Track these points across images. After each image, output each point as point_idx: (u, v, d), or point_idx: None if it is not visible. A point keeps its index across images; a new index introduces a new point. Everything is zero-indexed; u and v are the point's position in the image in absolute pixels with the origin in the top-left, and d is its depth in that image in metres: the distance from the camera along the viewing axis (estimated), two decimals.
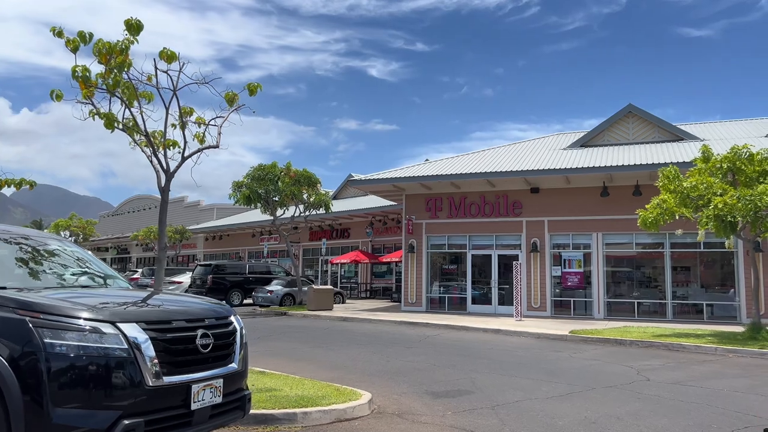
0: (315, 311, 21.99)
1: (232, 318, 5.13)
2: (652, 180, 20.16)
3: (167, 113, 7.99)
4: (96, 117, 7.53)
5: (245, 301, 27.77)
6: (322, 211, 25.19)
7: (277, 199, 24.48)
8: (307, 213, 25.28)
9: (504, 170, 21.31)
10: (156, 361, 4.12)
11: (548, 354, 11.88)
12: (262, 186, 23.23)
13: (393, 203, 28.80)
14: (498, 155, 24.34)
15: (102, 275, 5.83)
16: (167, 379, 4.16)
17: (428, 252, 23.61)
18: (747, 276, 19.22)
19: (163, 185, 7.86)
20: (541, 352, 12.21)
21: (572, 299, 21.46)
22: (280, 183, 23.32)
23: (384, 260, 30.92)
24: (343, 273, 36.46)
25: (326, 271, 37.18)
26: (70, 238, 56.30)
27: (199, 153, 8.36)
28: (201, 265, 28.54)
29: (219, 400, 4.52)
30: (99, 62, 7.39)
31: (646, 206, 14.40)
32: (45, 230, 56.29)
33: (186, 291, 29.01)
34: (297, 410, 6.06)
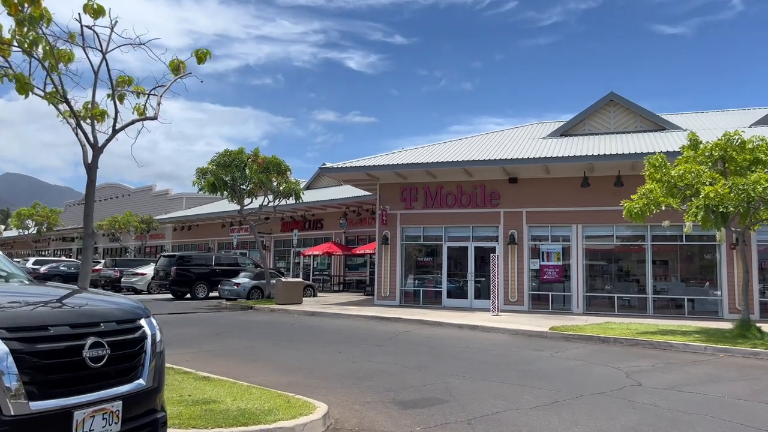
0: (283, 305, 20.91)
1: (143, 321, 4.07)
2: (634, 170, 19.54)
3: (96, 78, 6.85)
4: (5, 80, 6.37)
5: (211, 294, 26.55)
6: (292, 200, 24.03)
7: (244, 187, 23.27)
8: (276, 202, 24.10)
9: (482, 159, 20.43)
10: (21, 380, 3.07)
11: (528, 353, 11.01)
12: (229, 173, 21.99)
13: (368, 193, 27.77)
14: (475, 144, 23.46)
15: None
16: (36, 405, 3.11)
17: (403, 244, 22.67)
18: (729, 270, 18.66)
19: (90, 162, 6.72)
20: (521, 351, 11.34)
21: (550, 293, 20.72)
22: (247, 170, 22.10)
23: (357, 252, 29.91)
24: (315, 265, 35.36)
25: (298, 263, 36.04)
26: (33, 228, 54.23)
27: (138, 127, 7.25)
28: (164, 256, 27.19)
29: (117, 428, 3.48)
30: (9, 14, 6.23)
31: (632, 196, 13.61)
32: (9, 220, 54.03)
33: (149, 283, 27.71)
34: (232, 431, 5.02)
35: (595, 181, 20.16)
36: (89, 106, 6.63)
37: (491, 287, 18.14)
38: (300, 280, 22.97)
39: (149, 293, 28.91)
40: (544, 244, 20.99)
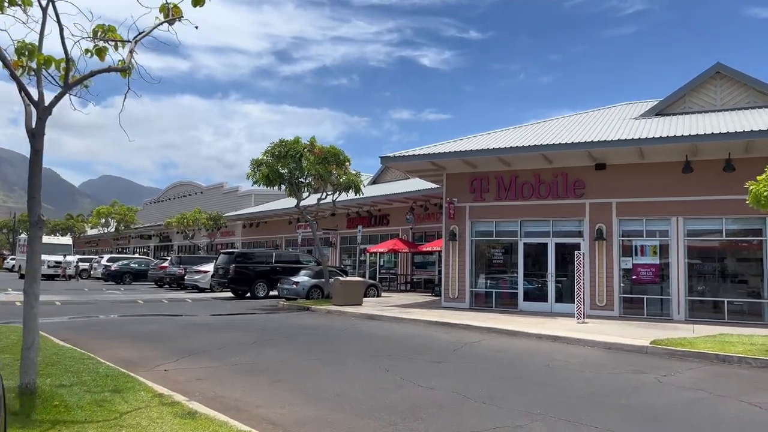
0: (341, 306, 19.21)
1: None
2: (748, 152, 16.46)
3: (44, 17, 5.20)
4: None
5: (272, 293, 25.30)
6: (352, 195, 22.29)
7: (302, 180, 21.77)
8: (335, 196, 22.45)
9: (564, 142, 17.85)
10: None
11: (628, 378, 8.63)
12: (284, 165, 20.52)
13: (435, 186, 25.69)
14: (555, 127, 20.83)
15: None
16: None
17: (472, 240, 20.41)
18: None
19: (33, 127, 5.08)
20: (618, 374, 8.96)
21: (645, 296, 17.87)
22: (304, 161, 20.55)
23: (424, 249, 27.84)
24: (382, 263, 33.60)
25: (364, 261, 34.41)
26: (112, 226, 55.69)
27: (122, 89, 5.58)
28: (224, 253, 26.20)
29: None
30: None
31: (758, 178, 10.83)
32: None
33: (210, 281, 26.86)
34: None
35: (699, 166, 17.17)
36: (26, 50, 4.96)
37: (576, 289, 15.62)
38: (360, 279, 21.23)
39: (212, 291, 28.13)
40: (637, 239, 18.15)
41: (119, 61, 5.56)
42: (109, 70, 5.36)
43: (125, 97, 5.80)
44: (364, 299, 22.50)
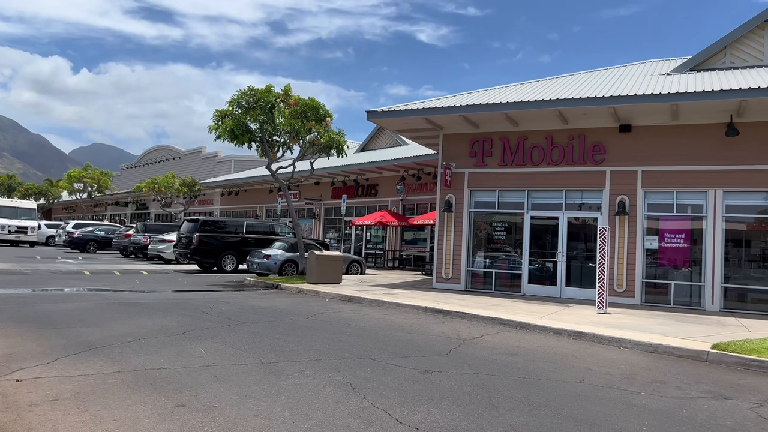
0: (315, 285, 16.40)
1: None
2: None
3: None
4: None
5: (241, 267, 22.46)
6: (335, 161, 19.33)
7: (277, 138, 18.74)
8: (314, 157, 19.47)
9: (583, 96, 14.94)
10: None
11: (709, 408, 5.86)
12: (253, 117, 17.46)
13: (430, 152, 22.77)
14: (572, 83, 17.87)
15: None
16: None
17: (471, 211, 17.57)
18: None
19: None
20: (690, 398, 6.20)
21: (672, 282, 15.16)
22: (276, 113, 17.51)
23: (414, 222, 24.99)
24: (369, 238, 30.77)
25: (350, 234, 31.56)
26: (84, 191, 52.40)
27: None
28: (188, 221, 23.22)
29: None
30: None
31: None
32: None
33: (174, 251, 23.96)
34: None
35: (745, 129, 14.38)
36: None
37: (597, 273, 12.84)
38: (339, 253, 18.38)
39: (178, 263, 25.25)
40: (665, 215, 15.39)
41: None
42: None
43: None
44: (346, 277, 19.73)
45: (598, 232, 13.03)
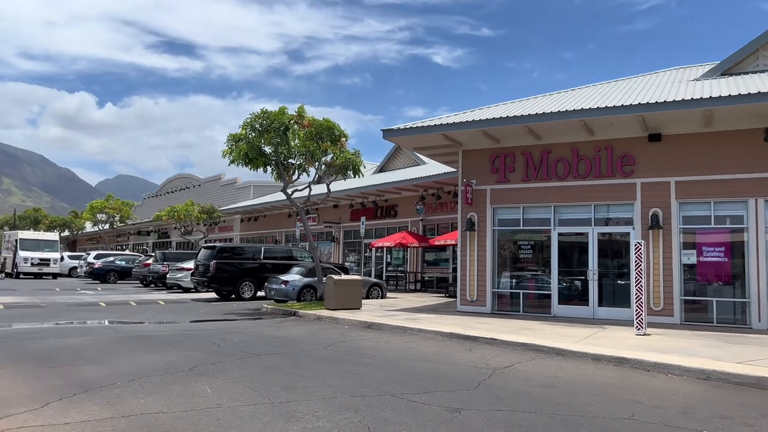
0: (334, 311, 15.73)
1: None
2: None
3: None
4: None
5: (259, 294, 21.90)
6: (352, 183, 18.78)
7: (293, 161, 18.27)
8: (330, 179, 18.94)
9: (610, 105, 14.21)
10: None
11: None
12: (267, 140, 17.02)
13: (450, 170, 22.12)
14: (595, 94, 17.15)
15: None
16: None
17: (495, 230, 16.83)
18: None
19: None
20: None
21: (713, 299, 14.18)
22: (290, 135, 17.05)
23: (435, 243, 24.25)
24: (389, 260, 30.07)
25: (370, 257, 30.89)
26: (107, 221, 52.61)
27: None
28: (205, 248, 22.80)
29: None
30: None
31: None
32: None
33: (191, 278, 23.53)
34: None
35: None
36: None
37: (634, 292, 11.96)
38: (358, 277, 17.73)
39: (196, 291, 24.79)
40: (702, 227, 14.48)
41: None
42: None
43: None
44: (367, 301, 19.04)
45: (633, 248, 12.19)
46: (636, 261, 11.95)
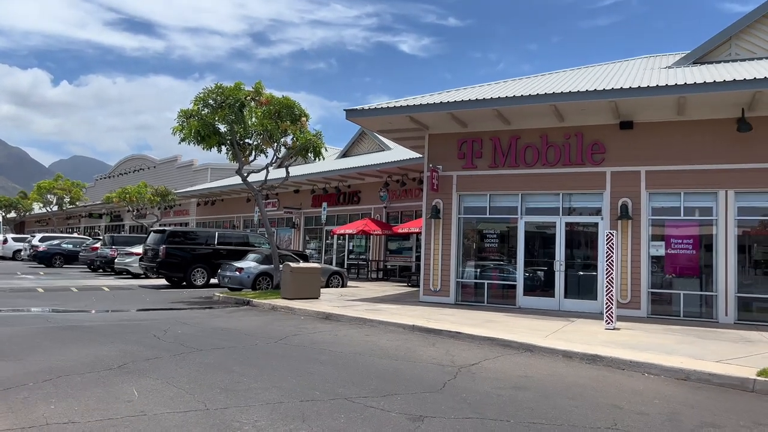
0: (291, 300, 14.87)
1: None
2: None
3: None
4: None
5: (213, 281, 20.83)
6: (314, 168, 17.86)
7: (249, 141, 17.21)
8: (288, 162, 17.98)
9: (582, 90, 13.65)
10: None
11: None
12: (221, 117, 15.93)
13: (415, 156, 21.39)
14: (566, 79, 16.59)
15: None
16: None
17: (460, 218, 16.18)
18: None
19: None
20: None
21: (681, 292, 13.84)
22: (246, 113, 16.01)
23: (399, 231, 23.54)
24: (351, 248, 29.25)
25: (331, 244, 30.01)
26: (53, 202, 50.23)
27: None
28: (154, 231, 21.54)
29: None
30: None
31: None
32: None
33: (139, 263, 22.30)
34: None
35: (759, 124, 13.19)
36: None
37: (605, 284, 11.44)
38: (317, 265, 16.88)
39: (147, 277, 23.52)
40: (672, 219, 14.12)
41: None
42: None
43: None
44: (326, 290, 18.21)
45: (604, 238, 11.68)
46: (607, 252, 11.43)
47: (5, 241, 41.96)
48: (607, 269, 11.39)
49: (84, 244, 32.33)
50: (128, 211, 43.92)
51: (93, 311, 13.13)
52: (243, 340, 9.35)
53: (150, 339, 9.23)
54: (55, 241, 34.06)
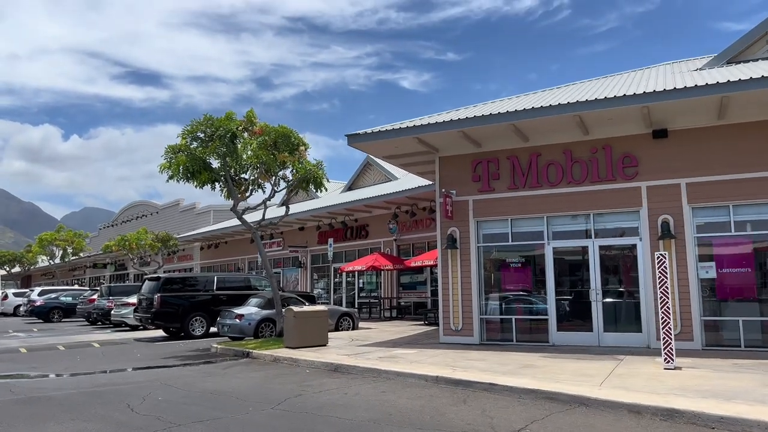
0: (295, 349, 13.21)
1: None
2: None
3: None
4: None
5: (212, 330, 19.19)
6: (315, 203, 16.38)
7: (245, 176, 15.82)
8: (290, 194, 16.55)
9: (609, 96, 12.18)
10: None
11: None
12: (212, 150, 14.56)
13: (425, 183, 19.89)
14: (588, 89, 15.14)
15: None
16: None
17: (479, 247, 14.57)
18: None
19: None
20: None
21: (739, 319, 12.06)
22: (240, 145, 14.65)
23: (412, 264, 21.89)
24: (361, 285, 27.60)
25: (340, 283, 28.37)
26: (56, 254, 49.05)
27: None
28: (149, 279, 20.04)
29: None
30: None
31: None
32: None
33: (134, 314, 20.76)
34: None
35: None
36: None
37: (661, 315, 9.72)
38: (323, 308, 15.25)
39: (144, 328, 21.92)
40: (720, 235, 12.45)
41: None
42: None
43: None
44: (335, 335, 16.56)
45: (656, 261, 10.02)
46: (660, 277, 9.76)
47: (5, 296, 40.67)
48: (661, 297, 9.70)
49: (82, 296, 30.87)
50: (130, 259, 42.62)
51: (70, 375, 11.54)
52: (233, 409, 7.71)
53: (120, 412, 7.61)
54: (53, 295, 32.61)
